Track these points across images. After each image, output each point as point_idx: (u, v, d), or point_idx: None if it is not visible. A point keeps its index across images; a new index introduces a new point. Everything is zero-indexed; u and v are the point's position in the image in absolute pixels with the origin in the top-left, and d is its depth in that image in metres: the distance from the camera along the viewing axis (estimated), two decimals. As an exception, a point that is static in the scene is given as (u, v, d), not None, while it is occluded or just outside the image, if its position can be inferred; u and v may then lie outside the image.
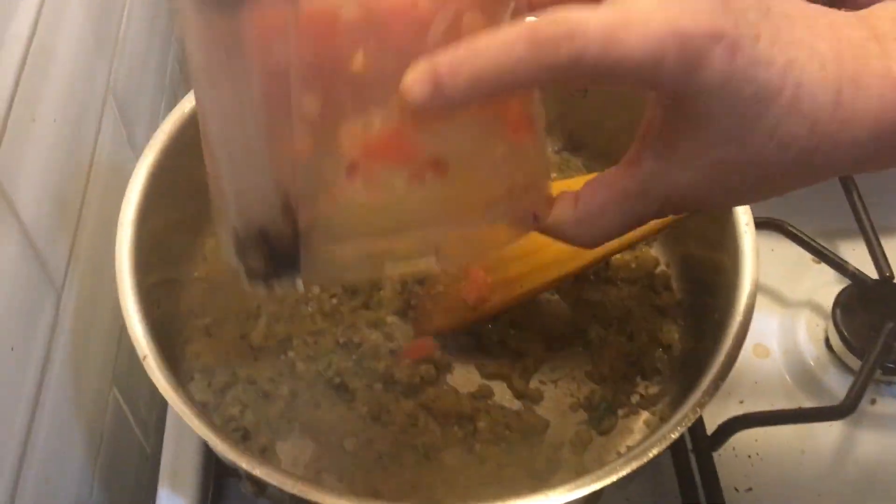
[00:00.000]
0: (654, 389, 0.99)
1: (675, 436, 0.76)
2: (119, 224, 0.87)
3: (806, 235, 1.12)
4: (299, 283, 0.63)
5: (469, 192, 0.60)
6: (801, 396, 1.12)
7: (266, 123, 0.55)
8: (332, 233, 0.60)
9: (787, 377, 1.14)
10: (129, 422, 1.10)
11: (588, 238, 0.64)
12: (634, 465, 0.75)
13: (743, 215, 0.90)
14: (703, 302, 0.99)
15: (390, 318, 0.97)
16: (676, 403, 0.94)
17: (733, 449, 1.07)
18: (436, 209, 0.59)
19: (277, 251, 0.59)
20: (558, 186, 0.94)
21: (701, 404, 0.78)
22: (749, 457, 1.07)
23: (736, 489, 1.04)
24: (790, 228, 1.11)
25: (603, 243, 0.65)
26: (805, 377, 1.13)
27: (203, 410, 0.91)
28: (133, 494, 1.08)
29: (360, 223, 0.59)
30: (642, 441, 0.92)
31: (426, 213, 0.59)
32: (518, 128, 0.60)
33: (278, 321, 0.97)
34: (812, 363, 1.13)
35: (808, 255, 1.21)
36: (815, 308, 1.17)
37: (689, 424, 0.77)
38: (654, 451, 0.75)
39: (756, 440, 1.07)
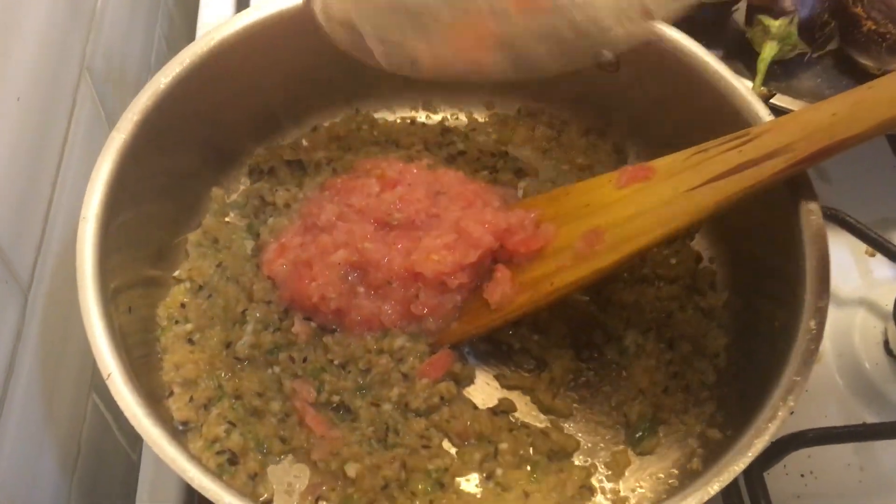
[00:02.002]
0: (699, 404, 0.87)
1: (739, 468, 0.64)
2: (81, 218, 0.75)
3: (863, 225, 0.99)
4: None
5: None
6: (857, 406, 1.00)
7: None
8: None
9: (842, 384, 1.02)
10: (112, 430, 1.00)
11: None
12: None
13: (808, 203, 0.77)
14: (756, 305, 0.87)
15: (399, 341, 0.85)
16: (728, 421, 0.83)
17: (784, 467, 0.95)
18: None
19: None
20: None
21: (767, 430, 0.66)
22: (802, 476, 0.95)
23: (788, 513, 0.92)
24: (846, 218, 0.99)
25: None
26: (862, 384, 1.01)
27: (182, 433, 0.81)
28: (118, 506, 0.98)
29: None
30: (687, 466, 0.82)
31: None
32: None
33: (266, 328, 0.85)
34: (869, 368, 1.01)
35: (861, 248, 1.09)
36: (872, 307, 1.05)
37: (756, 454, 0.65)
38: (716, 488, 0.63)
39: (809, 456, 0.95)
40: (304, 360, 0.84)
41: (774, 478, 0.93)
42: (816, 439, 0.87)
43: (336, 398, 0.83)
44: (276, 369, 0.84)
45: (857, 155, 1.14)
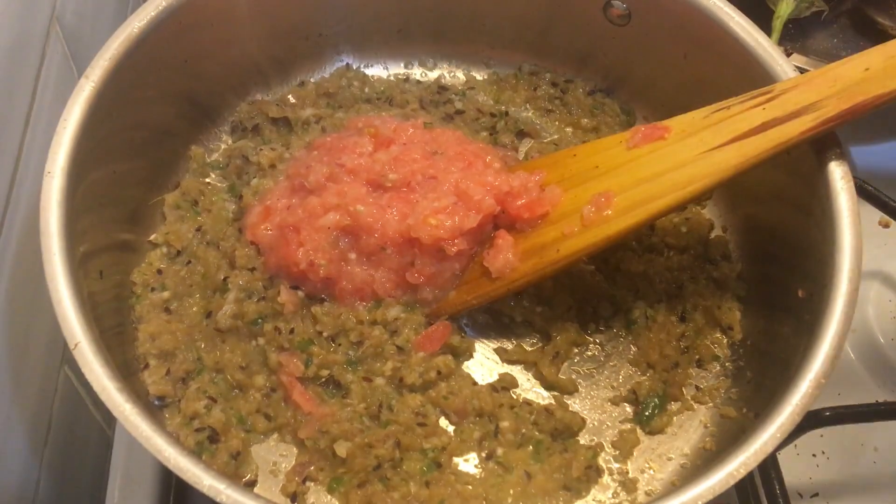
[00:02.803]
0: (712, 380, 0.82)
1: (769, 449, 0.59)
2: (46, 173, 0.68)
3: (883, 193, 0.94)
4: None
5: None
6: (871, 383, 0.96)
7: None
8: None
9: (855, 359, 0.98)
10: (86, 404, 0.94)
11: None
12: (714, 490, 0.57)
13: (837, 165, 0.72)
14: (774, 275, 0.82)
15: (393, 312, 0.80)
16: (743, 398, 0.78)
17: (795, 447, 0.90)
18: None
19: None
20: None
21: (798, 408, 0.61)
22: (814, 456, 0.91)
23: (800, 494, 0.88)
24: (865, 185, 0.94)
25: None
26: (876, 360, 0.97)
27: (158, 408, 0.75)
28: (92, 485, 0.92)
29: None
30: (700, 445, 0.77)
31: None
32: None
33: (250, 297, 0.79)
34: (884, 343, 0.97)
35: (874, 219, 1.04)
36: (887, 280, 1.01)
37: (786, 434, 0.60)
38: (742, 471, 0.58)
39: (821, 436, 0.91)
40: (291, 331, 0.78)
41: (785, 458, 0.88)
42: (834, 418, 0.82)
43: (325, 372, 0.77)
44: (261, 341, 0.78)
45: (873, 122, 1.09)
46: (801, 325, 0.69)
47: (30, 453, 0.79)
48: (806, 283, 0.73)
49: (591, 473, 0.76)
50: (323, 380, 0.78)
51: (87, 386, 0.93)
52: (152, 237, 0.85)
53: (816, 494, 0.89)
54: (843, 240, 0.68)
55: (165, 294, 0.81)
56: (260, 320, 0.79)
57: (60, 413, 0.85)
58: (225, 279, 0.80)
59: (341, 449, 0.74)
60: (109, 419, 0.98)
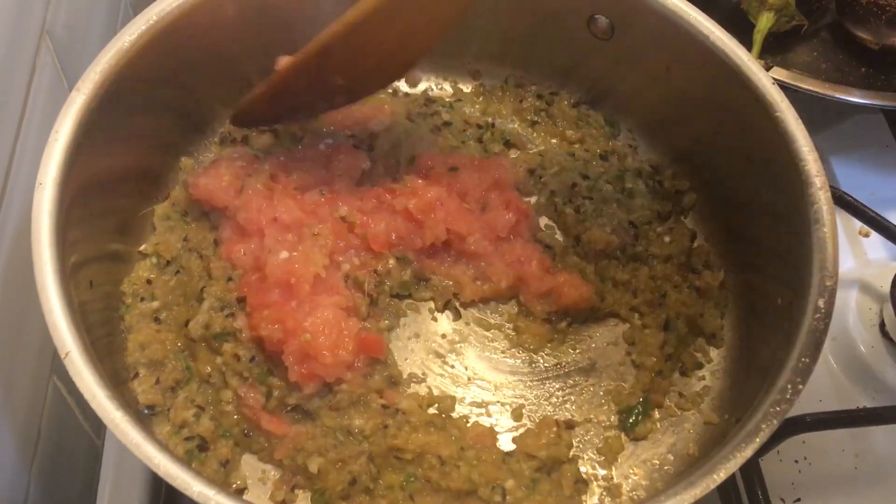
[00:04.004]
0: (695, 387, 0.83)
1: (748, 454, 0.60)
2: (37, 184, 0.69)
3: (861, 203, 0.96)
4: None
5: None
6: (852, 390, 0.97)
7: None
8: None
9: (836, 367, 0.99)
10: (74, 414, 0.94)
11: None
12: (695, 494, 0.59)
13: (815, 178, 0.74)
14: (755, 284, 0.84)
15: None
16: (725, 404, 0.80)
17: (777, 453, 0.91)
18: None
19: None
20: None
21: (776, 414, 0.63)
22: (796, 462, 0.92)
23: (782, 500, 0.89)
24: (844, 195, 0.95)
25: None
26: (857, 367, 0.98)
27: (148, 417, 0.75)
28: (82, 495, 0.92)
29: None
30: (683, 451, 0.78)
31: None
32: None
33: (222, 310, 0.79)
34: (864, 351, 0.98)
35: (855, 228, 1.05)
36: (867, 288, 1.02)
37: (765, 439, 0.61)
38: (722, 475, 0.59)
39: (804, 442, 0.92)
40: (252, 359, 0.76)
41: (768, 464, 0.90)
42: (815, 424, 0.84)
43: (292, 401, 0.76)
44: (219, 360, 0.77)
45: (853, 133, 1.12)
46: (780, 333, 0.70)
47: (19, 464, 0.79)
48: (785, 291, 0.74)
49: (581, 486, 0.76)
50: (290, 408, 0.76)
51: (76, 396, 0.93)
52: (142, 247, 0.85)
53: (799, 500, 0.89)
54: (818, 251, 0.70)
55: (155, 304, 0.81)
56: (223, 336, 0.77)
57: (49, 424, 0.85)
58: (202, 289, 0.80)
59: (313, 465, 0.73)
60: (98, 429, 0.99)
